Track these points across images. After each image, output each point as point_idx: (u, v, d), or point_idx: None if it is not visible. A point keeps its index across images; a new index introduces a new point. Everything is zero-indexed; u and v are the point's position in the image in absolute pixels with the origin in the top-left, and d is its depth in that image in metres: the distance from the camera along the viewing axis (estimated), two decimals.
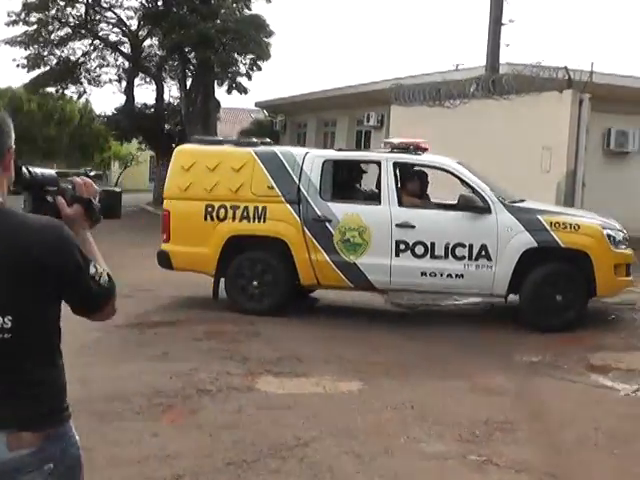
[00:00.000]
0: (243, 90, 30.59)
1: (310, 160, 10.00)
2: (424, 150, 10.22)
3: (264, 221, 9.85)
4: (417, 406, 6.59)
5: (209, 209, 9.96)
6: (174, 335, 8.97)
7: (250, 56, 29.97)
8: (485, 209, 9.52)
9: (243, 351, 8.26)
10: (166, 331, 9.13)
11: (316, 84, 60.27)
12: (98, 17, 33.14)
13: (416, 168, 10.25)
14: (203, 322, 9.59)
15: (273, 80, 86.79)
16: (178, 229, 10.10)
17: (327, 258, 9.72)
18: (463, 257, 9.43)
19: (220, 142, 11.02)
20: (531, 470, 5.32)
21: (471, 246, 9.40)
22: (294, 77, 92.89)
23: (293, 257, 9.79)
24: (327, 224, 9.71)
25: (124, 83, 34.91)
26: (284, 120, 35.39)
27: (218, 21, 28.47)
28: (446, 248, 9.44)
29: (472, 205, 9.58)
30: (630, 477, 5.44)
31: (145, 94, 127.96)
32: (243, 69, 30.47)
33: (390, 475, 5.17)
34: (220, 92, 31.84)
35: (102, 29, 33.46)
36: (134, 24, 33.55)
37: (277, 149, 10.51)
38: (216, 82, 30.60)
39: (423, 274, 9.52)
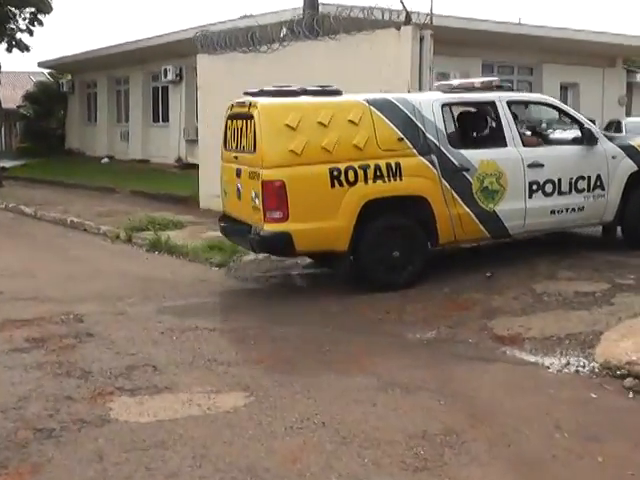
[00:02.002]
0: (25, 47, 27.55)
1: (428, 105, 8.94)
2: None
3: (401, 179, 8.56)
4: (329, 421, 5.05)
5: (334, 173, 8.28)
6: None
7: (29, 9, 26.90)
8: (596, 140, 9.71)
9: (79, 361, 6.38)
10: None
11: (108, 39, 56.49)
12: None
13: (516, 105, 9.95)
14: (22, 324, 7.53)
15: (60, 37, 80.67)
16: (299, 202, 8.19)
17: (467, 210, 8.94)
18: (583, 189, 9.59)
19: (305, 92, 8.84)
20: None
21: (589, 178, 9.58)
22: (83, 33, 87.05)
23: (432, 215, 8.75)
24: (465, 173, 8.88)
25: None
26: (71, 80, 32.53)
27: None
28: (570, 183, 9.49)
29: (590, 138, 9.69)
30: None
31: None
32: (23, 24, 27.36)
33: None
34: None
35: None
36: None
37: (389, 96, 9.02)
38: None
39: (552, 212, 9.47)
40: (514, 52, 22.33)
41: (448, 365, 6.36)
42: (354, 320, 7.85)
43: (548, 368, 6.22)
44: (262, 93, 8.78)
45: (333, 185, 8.29)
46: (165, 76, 25.00)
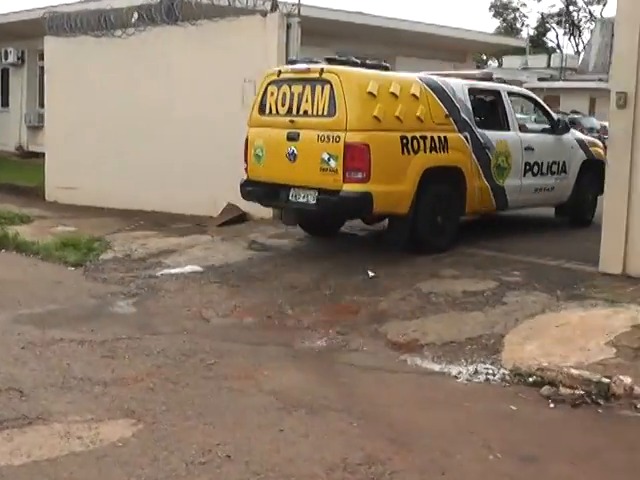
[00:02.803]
0: None
1: (460, 88, 9.81)
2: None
3: (446, 151, 9.32)
4: (235, 454, 4.38)
5: (404, 141, 8.82)
6: None
7: None
8: (568, 130, 11.27)
9: None
10: None
11: None
12: None
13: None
14: None
15: None
16: (378, 165, 8.54)
17: (486, 183, 9.86)
18: (554, 172, 10.88)
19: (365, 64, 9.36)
20: None
21: (559, 163, 10.90)
22: None
23: (464, 186, 9.56)
24: (487, 151, 9.84)
25: None
26: None
27: None
28: (548, 166, 10.75)
29: (564, 128, 11.17)
30: None
31: None
32: None
33: None
34: None
35: None
36: None
37: (435, 77, 9.84)
38: None
39: (536, 190, 10.67)
40: (368, 44, 22.08)
41: (349, 378, 5.81)
42: (235, 326, 7.19)
43: (456, 377, 5.79)
44: (328, 61, 9.19)
45: (403, 152, 8.81)
46: (6, 58, 23.35)
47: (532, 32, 62.00)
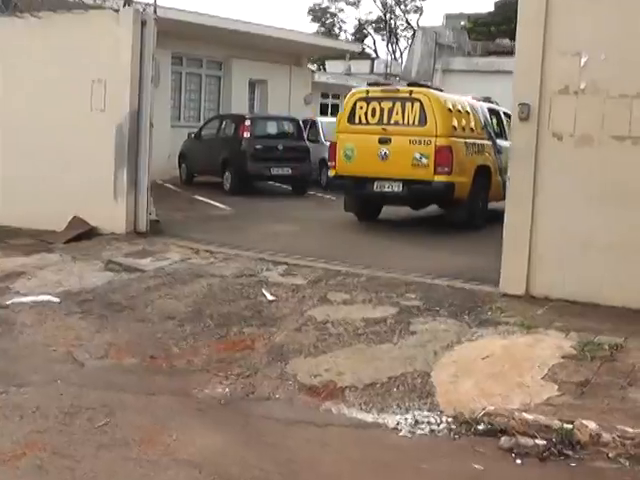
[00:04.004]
0: None
1: (483, 107, 13.48)
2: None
3: (484, 154, 12.74)
4: None
5: (466, 145, 12.20)
6: None
7: None
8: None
9: None
10: None
11: None
12: None
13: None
14: None
15: None
16: (456, 162, 11.79)
17: (499, 179, 12.26)
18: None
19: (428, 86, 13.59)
20: None
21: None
22: None
23: (490, 180, 12.79)
24: (500, 154, 12.83)
25: None
26: None
27: None
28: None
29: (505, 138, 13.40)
30: None
31: None
32: None
33: None
34: None
35: None
36: None
37: (469, 98, 13.44)
38: None
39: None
40: (203, 45, 21.16)
41: (276, 437, 4.92)
42: (116, 369, 6.13)
43: (397, 430, 5.04)
44: (408, 84, 13.53)
45: (466, 154, 12.21)
46: None
47: (350, 38, 62.89)
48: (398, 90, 12.43)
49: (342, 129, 12.64)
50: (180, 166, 19.38)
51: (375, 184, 12.03)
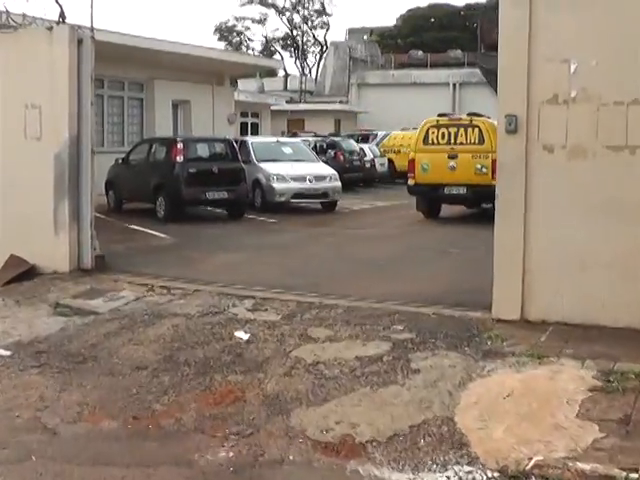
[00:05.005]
0: None
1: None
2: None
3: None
4: None
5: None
6: None
7: None
8: None
9: None
10: None
11: None
12: None
13: None
14: None
15: None
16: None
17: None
18: None
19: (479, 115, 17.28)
20: None
21: None
22: None
23: None
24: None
25: None
26: None
27: None
28: None
29: None
30: None
31: None
32: None
33: None
34: None
35: None
36: None
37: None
38: None
39: None
40: (124, 66, 20.26)
41: None
42: (96, 436, 5.36)
43: None
44: (468, 114, 17.41)
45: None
46: None
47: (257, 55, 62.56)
48: (461, 119, 17.04)
49: (418, 149, 16.99)
50: (107, 193, 18.40)
51: (445, 189, 16.31)
